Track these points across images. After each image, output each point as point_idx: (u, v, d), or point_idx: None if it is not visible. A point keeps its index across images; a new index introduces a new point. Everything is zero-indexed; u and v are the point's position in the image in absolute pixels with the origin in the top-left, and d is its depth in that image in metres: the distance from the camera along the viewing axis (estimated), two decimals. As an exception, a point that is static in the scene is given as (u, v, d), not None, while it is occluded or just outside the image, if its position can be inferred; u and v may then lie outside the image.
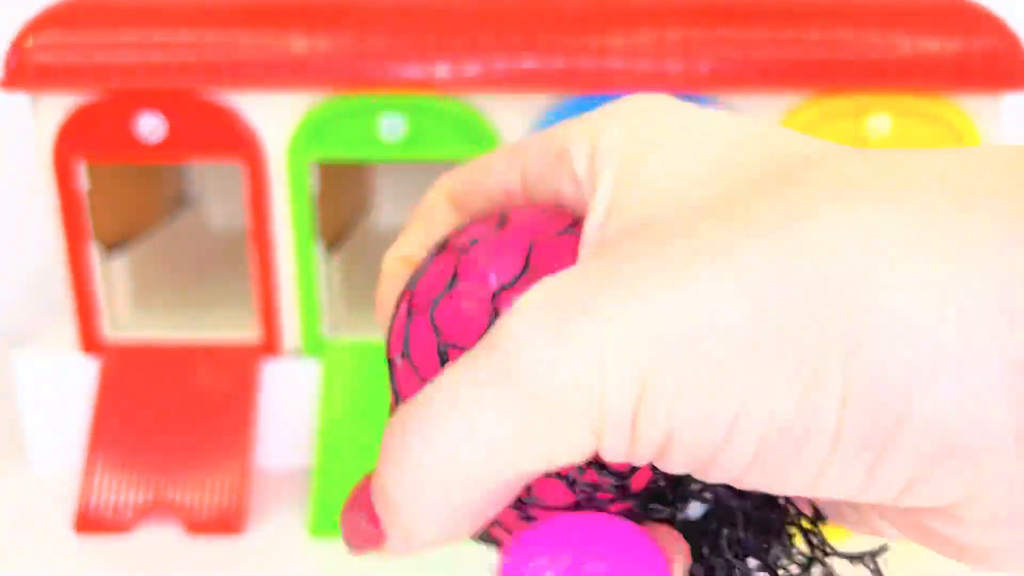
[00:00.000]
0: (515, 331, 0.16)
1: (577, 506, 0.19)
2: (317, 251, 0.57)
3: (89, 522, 0.54)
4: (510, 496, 0.17)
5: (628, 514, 0.19)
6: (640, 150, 0.18)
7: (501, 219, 0.20)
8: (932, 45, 0.52)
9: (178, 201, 0.78)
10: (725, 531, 0.19)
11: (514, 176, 0.20)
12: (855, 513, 0.19)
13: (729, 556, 0.19)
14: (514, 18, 0.54)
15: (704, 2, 0.54)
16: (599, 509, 0.19)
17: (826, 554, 0.19)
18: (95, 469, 0.55)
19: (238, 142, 0.55)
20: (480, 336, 0.17)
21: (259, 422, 0.58)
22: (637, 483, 0.19)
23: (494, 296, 0.19)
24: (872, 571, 0.20)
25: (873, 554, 0.19)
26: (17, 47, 0.54)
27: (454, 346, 0.19)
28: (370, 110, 0.54)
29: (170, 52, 0.53)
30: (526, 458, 0.16)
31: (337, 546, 0.53)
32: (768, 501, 0.19)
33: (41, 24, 0.54)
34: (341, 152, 0.55)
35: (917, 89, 0.51)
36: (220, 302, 0.66)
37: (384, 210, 0.85)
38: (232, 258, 0.73)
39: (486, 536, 0.21)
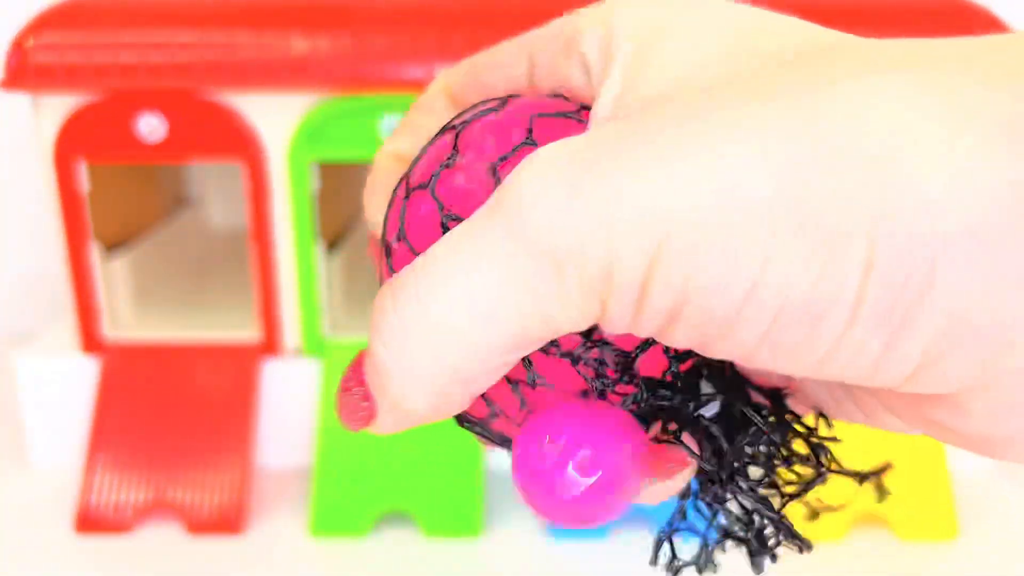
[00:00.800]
0: (523, 188, 0.15)
1: (584, 394, 0.19)
2: (317, 251, 0.57)
3: (89, 522, 0.54)
4: (505, 367, 0.16)
5: (635, 403, 0.19)
6: (655, 35, 0.17)
7: (502, 101, 0.20)
8: (932, 45, 0.52)
9: (178, 201, 0.78)
10: (736, 436, 0.19)
11: (520, 69, 0.20)
12: (860, 413, 0.19)
13: (735, 462, 0.19)
14: (514, 18, 0.54)
15: None
16: (604, 391, 0.19)
17: (833, 470, 0.19)
18: (95, 469, 0.56)
19: (238, 142, 0.55)
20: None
21: (259, 422, 0.58)
22: (647, 366, 0.19)
23: (495, 166, 0.18)
24: (877, 488, 0.20)
25: (877, 472, 0.19)
26: (17, 47, 0.54)
27: (456, 218, 0.18)
28: (370, 110, 0.54)
29: (170, 52, 0.53)
30: (525, 321, 0.15)
31: (337, 545, 0.53)
32: (778, 411, 0.19)
33: (41, 24, 0.54)
34: (341, 152, 0.55)
35: (917, 89, 0.51)
36: (220, 302, 0.66)
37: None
38: (232, 258, 0.73)
39: (487, 430, 0.20)
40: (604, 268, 0.15)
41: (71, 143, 0.55)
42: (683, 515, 0.21)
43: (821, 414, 0.19)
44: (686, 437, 0.19)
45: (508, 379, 0.19)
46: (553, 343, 0.18)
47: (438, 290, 0.16)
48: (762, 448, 0.19)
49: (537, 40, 0.20)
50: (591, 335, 0.18)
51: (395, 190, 0.20)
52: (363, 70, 0.53)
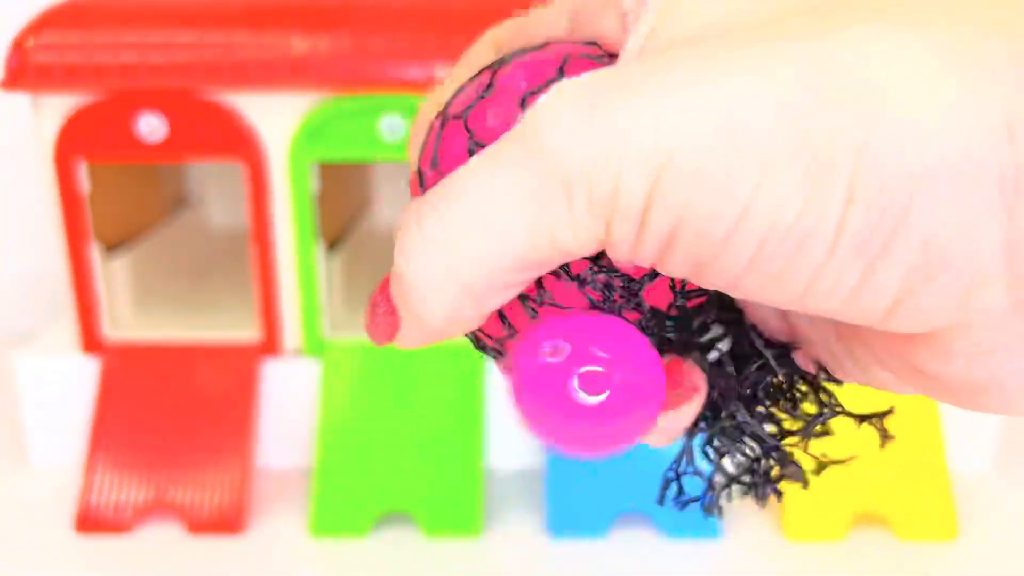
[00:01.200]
0: (542, 114, 0.16)
1: (593, 307, 0.19)
2: (318, 251, 0.57)
3: (90, 522, 0.54)
4: (517, 285, 0.17)
5: (641, 331, 0.19)
6: None
7: (540, 47, 0.21)
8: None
9: (178, 201, 0.78)
10: (746, 372, 0.19)
11: (563, 22, 0.21)
12: (856, 367, 0.19)
13: (745, 391, 0.19)
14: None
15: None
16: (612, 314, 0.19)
17: (836, 412, 0.20)
18: (96, 469, 0.56)
19: (239, 142, 0.55)
20: None
21: (259, 422, 0.58)
22: (654, 299, 0.19)
23: (524, 98, 0.19)
24: (879, 430, 0.20)
25: (880, 415, 0.20)
26: (18, 47, 0.54)
27: (484, 145, 0.19)
28: (370, 110, 0.54)
29: (170, 52, 0.53)
30: (535, 239, 0.16)
31: (337, 545, 0.53)
32: (783, 354, 0.19)
33: (41, 24, 0.54)
34: (341, 152, 0.55)
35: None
36: (220, 302, 0.66)
37: (384, 210, 0.85)
38: (233, 258, 0.73)
39: (503, 351, 0.20)
40: (610, 191, 0.15)
41: (71, 143, 0.55)
42: (690, 456, 0.21)
43: (822, 367, 0.20)
44: (696, 369, 0.19)
45: (523, 299, 0.19)
46: (564, 267, 0.18)
47: (455, 207, 0.17)
48: (769, 381, 0.19)
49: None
50: (599, 261, 0.18)
51: (432, 122, 0.21)
52: (363, 70, 0.53)
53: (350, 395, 0.57)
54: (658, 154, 0.15)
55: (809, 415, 0.20)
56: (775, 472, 0.20)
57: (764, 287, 0.16)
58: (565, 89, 0.16)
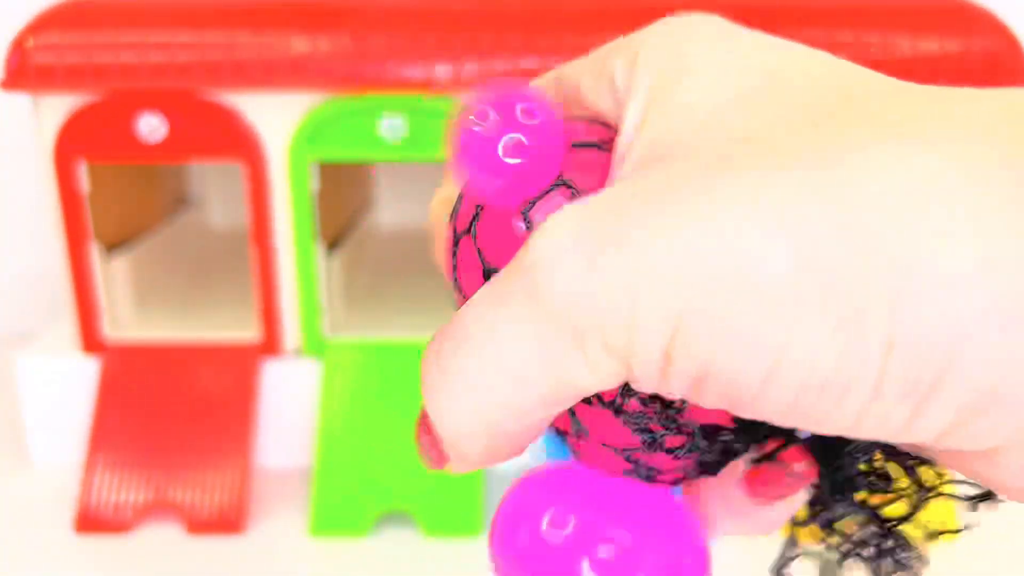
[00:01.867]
0: (544, 255, 0.15)
1: (630, 458, 0.18)
2: (317, 251, 0.57)
3: (89, 522, 0.54)
4: (545, 421, 0.17)
5: (691, 452, 0.17)
6: (678, 68, 0.17)
7: None
8: (931, 46, 0.52)
9: (179, 201, 0.78)
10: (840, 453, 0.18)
11: (561, 99, 0.20)
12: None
13: (844, 477, 0.18)
14: (514, 18, 0.54)
15: (702, 3, 0.54)
16: (654, 443, 0.17)
17: (935, 495, 0.19)
18: (95, 469, 0.56)
19: (239, 142, 0.55)
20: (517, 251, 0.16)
21: (259, 422, 0.58)
22: (702, 416, 0.17)
23: (526, 212, 0.18)
24: (971, 510, 0.19)
25: (982, 498, 0.18)
26: (18, 47, 0.54)
27: (495, 269, 0.18)
28: (370, 110, 0.54)
29: (170, 52, 0.53)
30: (554, 383, 0.16)
31: (337, 545, 0.53)
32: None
33: (42, 25, 0.54)
34: (341, 152, 0.55)
35: (917, 89, 0.51)
36: (221, 302, 0.66)
37: (384, 210, 0.85)
38: (233, 258, 0.73)
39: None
40: (626, 338, 0.15)
41: (71, 143, 0.55)
42: (794, 543, 0.19)
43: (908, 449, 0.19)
44: (784, 466, 0.18)
45: (559, 433, 0.19)
46: (596, 395, 0.18)
47: (470, 350, 0.16)
48: (863, 467, 0.18)
49: (575, 69, 0.20)
50: (629, 388, 0.17)
51: (447, 231, 0.21)
52: (363, 70, 0.53)
53: (350, 395, 0.57)
54: (673, 301, 0.14)
55: (913, 489, 0.19)
56: (892, 549, 0.19)
57: (809, 423, 0.15)
58: (559, 225, 0.15)
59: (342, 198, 0.67)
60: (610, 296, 0.14)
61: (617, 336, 0.15)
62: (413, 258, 0.75)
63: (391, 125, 0.54)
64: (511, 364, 0.16)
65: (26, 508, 0.56)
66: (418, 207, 0.85)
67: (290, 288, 0.58)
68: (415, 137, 0.54)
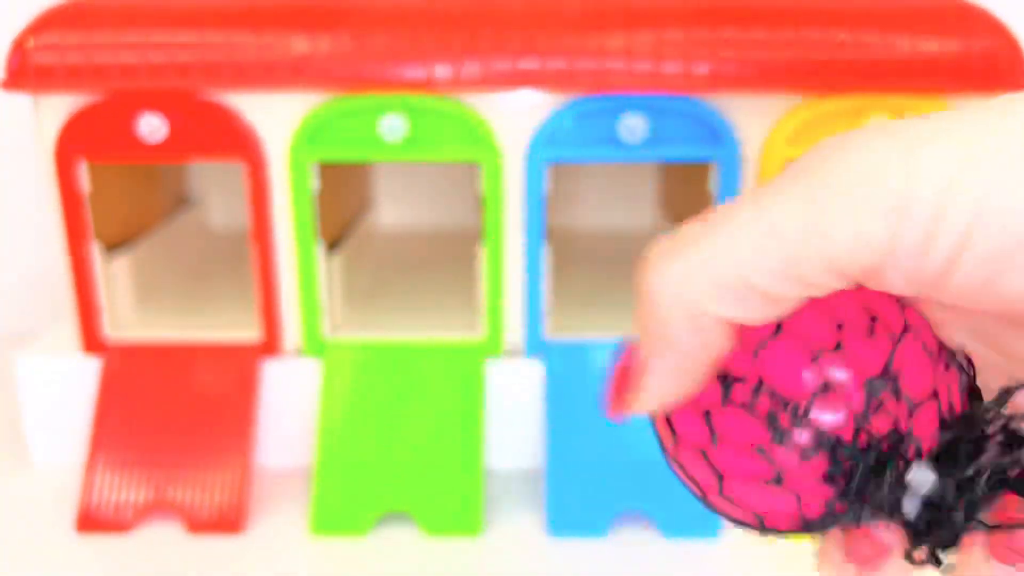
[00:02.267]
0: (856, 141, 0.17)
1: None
2: (318, 251, 0.57)
3: (90, 521, 0.54)
4: (762, 298, 0.17)
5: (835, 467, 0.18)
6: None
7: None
8: (931, 46, 0.52)
9: (179, 201, 0.78)
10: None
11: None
12: None
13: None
14: (514, 18, 0.54)
15: (703, 3, 0.54)
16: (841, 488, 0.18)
17: None
18: (96, 468, 0.56)
19: (239, 142, 0.55)
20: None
21: (259, 422, 0.58)
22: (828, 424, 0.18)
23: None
24: None
25: None
26: (18, 48, 0.54)
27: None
28: (370, 110, 0.54)
29: (171, 52, 0.53)
30: (807, 236, 0.16)
31: (337, 545, 0.53)
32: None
33: (42, 25, 0.54)
34: (342, 152, 0.55)
35: (915, 90, 0.51)
36: (221, 302, 0.66)
37: (384, 210, 0.85)
38: (233, 258, 0.73)
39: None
40: (904, 186, 0.16)
41: (72, 143, 0.55)
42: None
43: None
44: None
45: (703, 454, 0.19)
46: (727, 394, 0.18)
47: (724, 219, 0.17)
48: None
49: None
50: (761, 388, 0.18)
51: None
52: (363, 70, 0.53)
53: (350, 395, 0.57)
54: (951, 156, 0.16)
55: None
56: None
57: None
58: (890, 126, 0.17)
59: (342, 198, 0.67)
60: (889, 156, 0.16)
61: (897, 181, 0.16)
62: (413, 258, 0.75)
63: (391, 125, 0.54)
64: (769, 220, 0.16)
65: (26, 508, 0.56)
66: (418, 207, 0.85)
67: (290, 288, 0.58)
68: (415, 137, 0.54)
